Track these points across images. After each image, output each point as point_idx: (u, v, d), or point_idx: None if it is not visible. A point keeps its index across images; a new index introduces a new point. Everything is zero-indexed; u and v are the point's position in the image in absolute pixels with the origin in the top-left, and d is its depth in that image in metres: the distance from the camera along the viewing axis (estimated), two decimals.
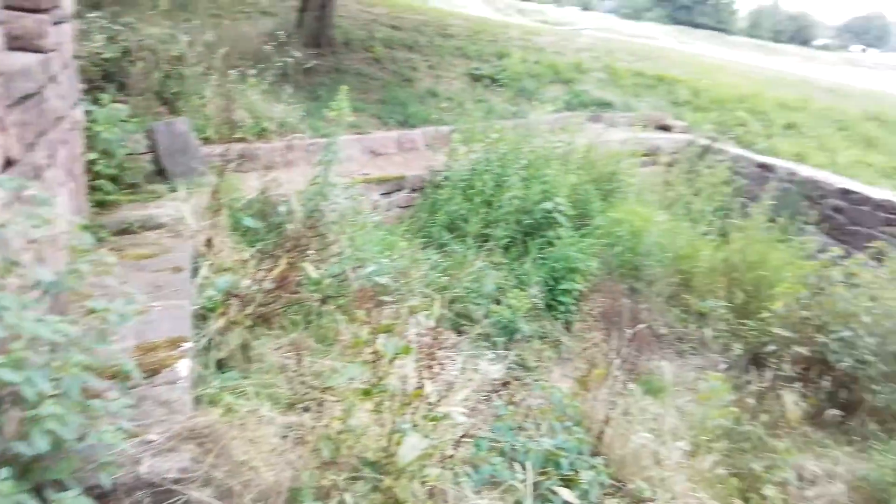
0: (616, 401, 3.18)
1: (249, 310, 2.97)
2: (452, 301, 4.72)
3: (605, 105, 9.80)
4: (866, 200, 6.80)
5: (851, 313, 4.27)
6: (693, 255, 5.72)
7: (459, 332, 4.49)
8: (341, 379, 2.29)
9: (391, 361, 2.25)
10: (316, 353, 2.96)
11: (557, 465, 2.70)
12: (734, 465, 3.23)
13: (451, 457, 2.37)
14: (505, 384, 3.50)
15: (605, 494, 2.74)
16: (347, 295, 3.46)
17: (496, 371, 3.93)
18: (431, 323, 2.59)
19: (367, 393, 2.26)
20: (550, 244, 5.56)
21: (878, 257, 4.75)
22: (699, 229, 6.23)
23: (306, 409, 2.42)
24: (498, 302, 4.90)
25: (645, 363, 4.45)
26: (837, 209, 7.07)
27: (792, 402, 3.59)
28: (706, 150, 8.15)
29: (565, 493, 2.54)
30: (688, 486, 2.83)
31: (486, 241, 5.58)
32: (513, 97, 9.08)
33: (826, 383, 3.95)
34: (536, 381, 3.96)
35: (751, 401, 3.64)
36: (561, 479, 2.64)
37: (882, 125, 11.53)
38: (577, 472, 2.70)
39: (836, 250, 4.71)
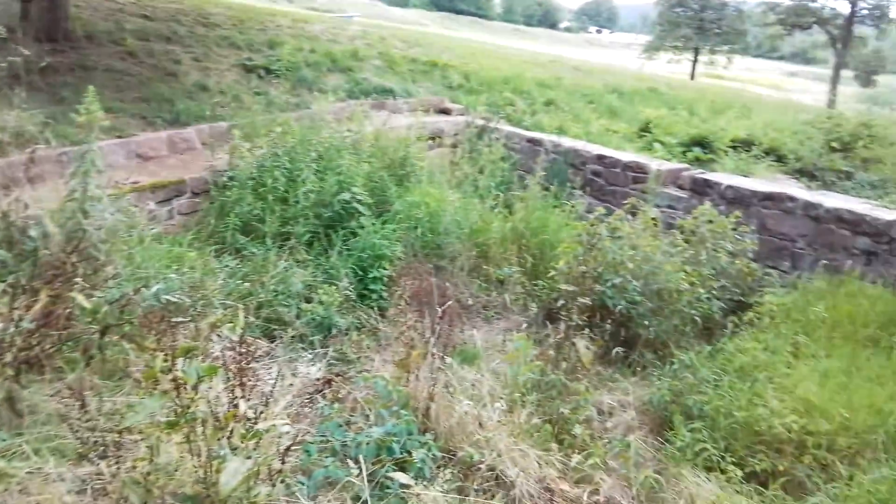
0: (437, 376, 3.28)
1: (9, 357, 2.50)
2: (259, 307, 4.47)
3: (386, 92, 9.95)
4: (617, 163, 7.79)
5: (619, 262, 4.91)
6: (485, 228, 6.11)
7: (272, 339, 4.27)
8: (139, 416, 2.03)
9: (195, 386, 2.04)
10: (104, 392, 2.59)
11: (390, 451, 2.71)
12: (546, 413, 3.52)
13: (280, 471, 2.25)
14: (327, 382, 3.43)
15: (438, 467, 2.82)
16: (133, 321, 3.06)
17: (316, 371, 3.83)
18: (237, 335, 2.40)
19: (173, 425, 2.02)
20: (354, 234, 5.53)
21: (633, 211, 5.52)
22: (487, 204, 6.64)
23: (102, 456, 2.11)
24: (308, 300, 4.75)
25: (458, 335, 4.67)
26: (596, 173, 8.03)
27: (584, 346, 4.01)
28: (483, 130, 8.68)
29: (401, 477, 2.56)
30: (510, 441, 3.03)
31: (286, 239, 5.37)
32: (292, 88, 8.78)
33: (608, 326, 4.48)
34: (359, 373, 3.93)
35: (551, 352, 4.00)
36: (395, 464, 2.65)
37: (621, 97, 13.44)
38: (409, 453, 2.74)
39: (601, 209, 5.35)
